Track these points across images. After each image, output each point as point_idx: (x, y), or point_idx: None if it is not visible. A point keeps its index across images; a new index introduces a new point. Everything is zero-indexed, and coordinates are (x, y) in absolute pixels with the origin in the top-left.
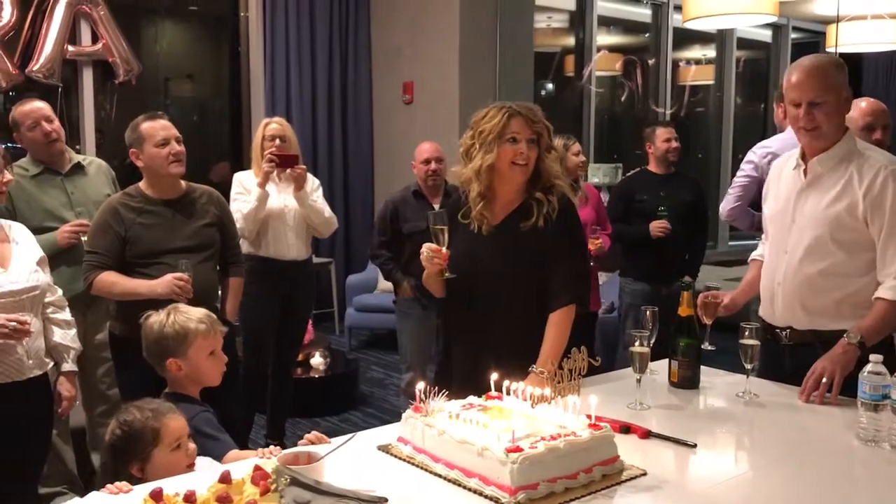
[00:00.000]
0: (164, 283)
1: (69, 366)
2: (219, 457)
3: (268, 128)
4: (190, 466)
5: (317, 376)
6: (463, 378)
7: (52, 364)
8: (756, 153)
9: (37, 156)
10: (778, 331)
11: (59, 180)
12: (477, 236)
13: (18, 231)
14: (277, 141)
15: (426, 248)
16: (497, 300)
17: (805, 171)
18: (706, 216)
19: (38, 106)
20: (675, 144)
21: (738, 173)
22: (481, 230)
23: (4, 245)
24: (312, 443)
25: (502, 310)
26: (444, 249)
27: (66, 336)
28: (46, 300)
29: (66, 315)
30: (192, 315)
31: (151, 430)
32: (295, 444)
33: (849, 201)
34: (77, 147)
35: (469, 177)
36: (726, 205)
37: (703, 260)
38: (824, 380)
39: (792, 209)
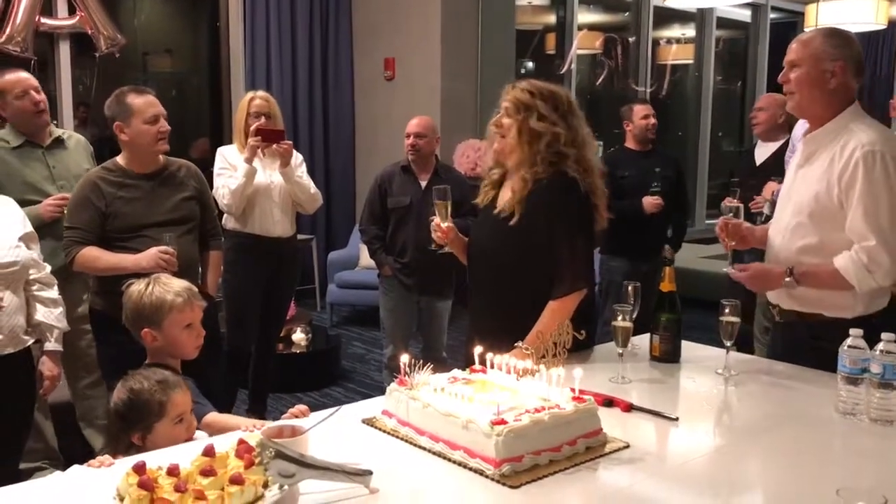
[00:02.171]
0: (148, 256)
1: (52, 345)
2: (198, 419)
3: (252, 103)
4: (189, 440)
5: (298, 352)
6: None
7: (31, 341)
8: None
9: (21, 127)
10: (770, 307)
11: (41, 153)
12: (484, 216)
13: (2, 205)
14: (262, 119)
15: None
16: (487, 281)
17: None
18: (686, 193)
19: (26, 76)
20: (653, 121)
21: None
22: (490, 210)
23: None
24: (296, 416)
25: (489, 292)
26: (443, 224)
27: (49, 314)
28: (32, 277)
29: (53, 293)
30: (171, 287)
31: (158, 403)
32: (277, 420)
33: (827, 181)
34: (55, 122)
35: None
36: None
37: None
38: (743, 273)
39: (789, 186)
